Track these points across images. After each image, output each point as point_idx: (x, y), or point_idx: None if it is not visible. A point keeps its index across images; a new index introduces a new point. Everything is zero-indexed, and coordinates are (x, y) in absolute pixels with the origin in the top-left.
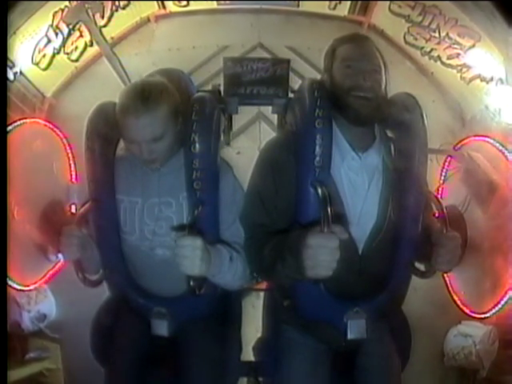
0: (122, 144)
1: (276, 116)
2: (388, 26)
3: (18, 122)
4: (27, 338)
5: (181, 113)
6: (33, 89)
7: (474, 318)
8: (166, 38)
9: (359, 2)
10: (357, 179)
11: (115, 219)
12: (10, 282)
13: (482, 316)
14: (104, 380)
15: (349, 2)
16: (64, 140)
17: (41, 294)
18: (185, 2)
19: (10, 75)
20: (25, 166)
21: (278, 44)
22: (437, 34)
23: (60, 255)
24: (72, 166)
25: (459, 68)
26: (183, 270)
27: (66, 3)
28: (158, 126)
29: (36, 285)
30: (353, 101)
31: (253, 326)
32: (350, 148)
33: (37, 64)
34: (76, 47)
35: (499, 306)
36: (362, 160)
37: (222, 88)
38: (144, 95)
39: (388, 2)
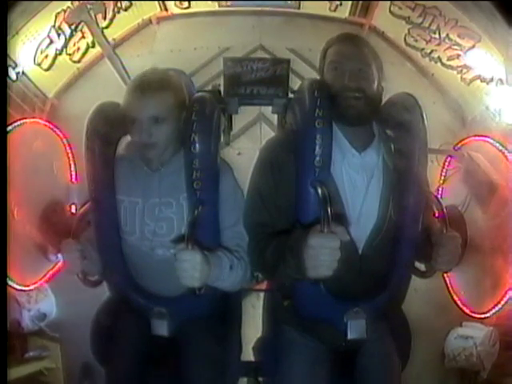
0: (122, 144)
1: (277, 117)
2: (389, 27)
3: (18, 122)
4: (27, 337)
5: (184, 109)
6: (34, 89)
7: (474, 317)
8: (168, 39)
9: (360, 4)
10: (357, 178)
11: (115, 219)
12: (10, 282)
13: (482, 316)
14: (104, 380)
15: (349, 4)
16: (64, 140)
17: (41, 293)
18: (186, 4)
19: (13, 75)
20: (25, 166)
21: (279, 45)
22: (437, 35)
23: (60, 255)
24: (72, 166)
25: (459, 69)
26: (183, 283)
27: (69, 4)
28: (161, 105)
29: (36, 285)
30: (342, 102)
31: (253, 326)
32: (350, 146)
33: (39, 64)
34: (78, 48)
35: (499, 305)
36: (361, 158)
37: (222, 88)
38: (153, 77)
39: (388, 4)
